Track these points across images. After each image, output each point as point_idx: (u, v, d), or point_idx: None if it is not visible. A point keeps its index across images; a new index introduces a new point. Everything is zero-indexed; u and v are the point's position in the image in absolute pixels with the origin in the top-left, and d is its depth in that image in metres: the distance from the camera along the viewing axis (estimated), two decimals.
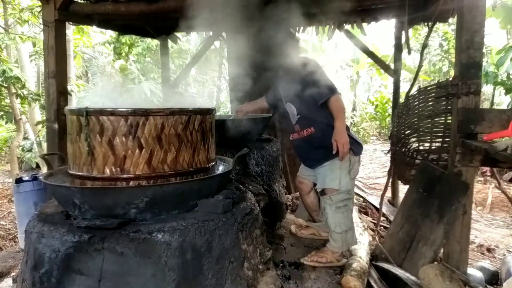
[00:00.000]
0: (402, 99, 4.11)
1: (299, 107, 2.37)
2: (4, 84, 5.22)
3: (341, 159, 2.21)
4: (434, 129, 2.88)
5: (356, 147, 2.34)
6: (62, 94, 3.35)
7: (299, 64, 2.34)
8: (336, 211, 2.33)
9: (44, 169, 5.60)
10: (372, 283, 2.25)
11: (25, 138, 7.39)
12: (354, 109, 12.50)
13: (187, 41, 9.87)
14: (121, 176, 1.60)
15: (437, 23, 4.14)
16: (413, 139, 3.10)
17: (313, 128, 2.33)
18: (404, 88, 7.26)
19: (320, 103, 2.23)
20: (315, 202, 2.71)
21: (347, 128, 2.35)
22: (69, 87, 4.06)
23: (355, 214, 3.24)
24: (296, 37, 2.60)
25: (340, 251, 2.39)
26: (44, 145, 6.31)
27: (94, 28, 4.79)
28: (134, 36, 8.45)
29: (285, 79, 2.45)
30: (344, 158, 2.20)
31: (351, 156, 2.31)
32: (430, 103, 2.88)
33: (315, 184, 2.55)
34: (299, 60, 2.38)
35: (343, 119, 2.21)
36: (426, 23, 4.01)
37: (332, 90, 2.22)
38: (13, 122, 5.75)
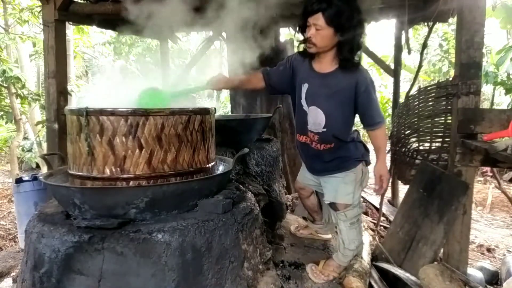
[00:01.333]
0: (402, 99, 4.11)
1: (332, 119, 1.96)
2: (4, 84, 5.22)
3: (378, 194, 2.11)
4: (434, 129, 2.89)
5: (368, 157, 2.18)
6: (62, 94, 3.35)
7: (360, 74, 1.91)
8: (350, 227, 2.16)
9: (44, 169, 5.60)
10: (373, 283, 2.25)
11: (25, 138, 7.39)
12: None
13: (187, 41, 9.87)
14: (121, 176, 1.60)
15: (437, 23, 4.14)
16: (413, 139, 3.10)
17: (334, 144, 2.04)
18: (404, 88, 7.25)
19: (370, 128, 2.00)
20: (315, 204, 2.69)
21: (359, 134, 2.21)
22: (69, 87, 4.06)
23: None
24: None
25: (346, 265, 2.27)
26: (44, 145, 6.31)
27: (94, 28, 4.78)
28: (134, 36, 8.45)
29: (325, 77, 1.95)
30: (380, 193, 2.06)
31: (363, 167, 2.16)
32: (430, 103, 2.88)
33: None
34: (357, 65, 1.92)
35: (385, 151, 2.06)
36: (426, 23, 4.01)
37: (383, 117, 1.99)
38: (13, 122, 5.75)
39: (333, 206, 2.20)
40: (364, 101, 1.92)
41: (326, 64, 1.94)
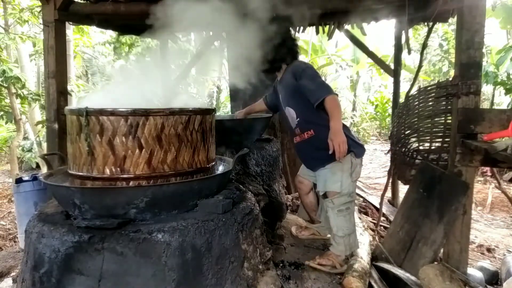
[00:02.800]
0: (402, 99, 4.11)
1: (298, 110, 2.33)
2: (4, 84, 5.22)
3: (337, 159, 2.16)
4: (434, 129, 2.88)
5: (357, 149, 2.28)
6: (62, 94, 3.35)
7: (293, 67, 2.31)
8: (338, 214, 2.29)
9: (44, 169, 5.60)
10: (373, 283, 2.25)
11: (25, 138, 7.39)
12: (354, 109, 12.50)
13: (187, 41, 9.86)
14: (121, 176, 1.60)
15: (437, 23, 4.14)
16: (413, 139, 3.10)
17: (313, 130, 2.29)
18: (404, 88, 7.26)
19: (316, 104, 2.18)
20: (314, 202, 2.71)
21: (348, 129, 2.31)
22: (69, 87, 4.06)
23: (355, 214, 3.24)
24: (294, 38, 2.54)
25: (343, 255, 2.35)
26: (44, 145, 6.31)
27: (94, 28, 4.79)
28: (134, 36, 8.45)
29: (281, 83, 2.42)
30: (341, 158, 2.13)
31: (353, 158, 2.26)
32: (430, 103, 2.87)
33: (315, 185, 2.54)
34: (293, 63, 2.36)
35: (338, 118, 2.14)
36: (426, 23, 4.01)
37: (326, 90, 2.17)
38: (13, 122, 5.75)
39: (325, 195, 2.36)
40: (302, 84, 2.23)
41: (280, 73, 2.45)
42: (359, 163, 2.34)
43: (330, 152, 2.13)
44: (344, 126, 2.26)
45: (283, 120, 2.61)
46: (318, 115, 2.24)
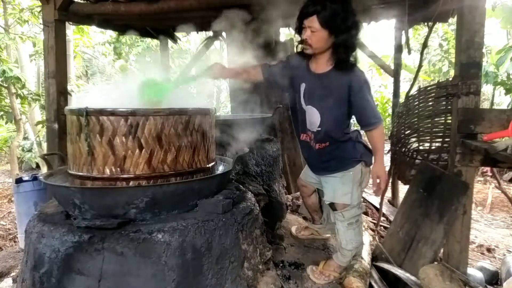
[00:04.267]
0: (402, 99, 4.11)
1: (327, 118, 2.00)
2: (4, 84, 5.22)
3: (377, 195, 2.08)
4: (434, 129, 2.88)
5: (368, 158, 2.13)
6: (62, 94, 3.35)
7: (354, 75, 1.92)
8: (348, 228, 2.16)
9: (44, 169, 5.60)
10: (373, 283, 2.25)
11: (25, 138, 7.39)
12: None
13: (187, 41, 9.86)
14: (121, 176, 1.60)
15: (437, 23, 4.14)
16: (413, 139, 3.10)
17: (329, 143, 2.06)
18: (404, 88, 7.25)
19: (365, 128, 1.99)
20: (316, 203, 2.69)
21: (360, 135, 2.19)
22: (69, 87, 4.06)
23: None
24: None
25: (346, 265, 2.27)
26: (44, 145, 6.31)
27: (94, 28, 4.79)
28: (134, 36, 8.45)
29: (321, 77, 1.98)
30: (379, 194, 2.04)
31: (363, 168, 2.13)
32: (430, 103, 2.87)
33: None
34: (352, 66, 1.93)
35: (383, 151, 2.00)
36: (426, 23, 4.01)
37: (380, 118, 1.97)
38: (13, 122, 5.76)
39: (332, 206, 2.21)
40: (358, 102, 1.94)
41: (322, 65, 1.98)
42: (368, 171, 2.20)
43: (374, 189, 2.06)
44: (358, 132, 2.18)
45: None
46: (342, 131, 2.06)
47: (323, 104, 1.99)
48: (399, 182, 3.87)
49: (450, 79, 2.52)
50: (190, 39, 9.90)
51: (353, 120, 2.11)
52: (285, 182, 3.31)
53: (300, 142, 2.24)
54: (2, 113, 5.88)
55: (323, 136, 2.04)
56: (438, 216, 2.37)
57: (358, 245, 2.26)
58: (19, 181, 3.11)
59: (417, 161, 2.99)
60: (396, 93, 4.41)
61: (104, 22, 3.90)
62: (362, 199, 2.31)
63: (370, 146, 2.16)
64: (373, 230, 3.33)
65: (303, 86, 2.05)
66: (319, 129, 2.03)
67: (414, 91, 3.49)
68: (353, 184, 2.11)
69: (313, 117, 2.04)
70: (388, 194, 4.14)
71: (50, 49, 3.28)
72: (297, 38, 1.99)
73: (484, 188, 5.41)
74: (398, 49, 4.30)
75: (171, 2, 3.14)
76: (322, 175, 2.23)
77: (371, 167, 2.15)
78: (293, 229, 2.85)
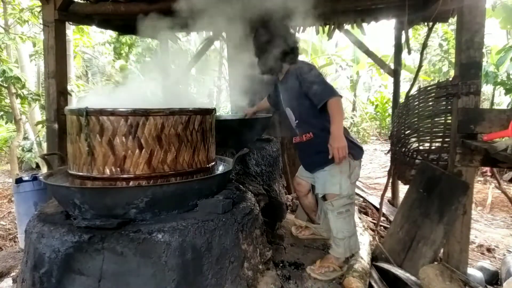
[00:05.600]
0: (402, 99, 4.11)
1: (297, 112, 2.31)
2: (4, 84, 5.22)
3: (336, 164, 2.14)
4: (434, 129, 2.88)
5: (356, 151, 2.27)
6: (62, 94, 3.35)
7: (297, 68, 2.24)
8: (338, 217, 2.27)
9: (44, 169, 5.60)
10: (373, 283, 2.25)
11: (25, 138, 7.38)
12: (354, 109, 12.51)
13: (187, 41, 9.86)
14: (121, 176, 1.60)
15: (437, 23, 4.14)
16: (413, 139, 3.09)
17: (312, 133, 2.28)
18: (404, 88, 7.25)
19: (319, 106, 2.12)
20: (313, 203, 2.71)
21: (347, 131, 2.28)
22: (69, 87, 4.06)
23: (355, 215, 3.24)
24: (295, 37, 2.44)
25: (343, 258, 2.33)
26: (44, 145, 6.31)
27: (94, 28, 4.79)
28: (134, 36, 8.45)
29: (283, 83, 2.37)
30: (339, 163, 2.12)
31: (351, 160, 2.24)
32: (430, 103, 2.87)
33: (313, 186, 2.53)
34: (296, 64, 2.29)
35: (339, 122, 2.09)
36: (426, 23, 4.01)
37: (330, 92, 2.11)
38: (13, 122, 5.75)
39: (323, 198, 2.35)
40: (306, 86, 2.18)
41: (281, 74, 2.38)
42: (358, 165, 2.32)
43: (330, 157, 2.11)
44: (344, 128, 2.23)
45: (285, 119, 2.58)
46: (318, 118, 2.21)
47: (292, 102, 2.35)
48: (399, 182, 3.87)
49: (450, 79, 2.52)
50: (190, 39, 9.90)
51: None
52: (285, 182, 3.31)
53: (295, 145, 2.47)
54: (2, 113, 5.88)
55: (303, 126, 2.32)
56: (438, 216, 2.37)
57: (350, 235, 2.32)
58: (19, 181, 3.11)
59: (417, 161, 2.99)
60: (396, 93, 4.41)
61: (104, 22, 3.90)
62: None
63: (357, 142, 2.37)
64: (373, 230, 3.32)
65: (281, 96, 2.45)
66: (297, 121, 2.35)
67: (414, 91, 3.49)
68: (341, 175, 2.24)
69: (291, 115, 2.39)
70: (388, 194, 4.14)
71: (50, 49, 3.28)
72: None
73: (484, 188, 5.40)
74: (398, 49, 4.31)
75: (171, 2, 3.14)
76: (314, 171, 2.39)
77: (360, 160, 2.35)
78: (293, 229, 2.85)
